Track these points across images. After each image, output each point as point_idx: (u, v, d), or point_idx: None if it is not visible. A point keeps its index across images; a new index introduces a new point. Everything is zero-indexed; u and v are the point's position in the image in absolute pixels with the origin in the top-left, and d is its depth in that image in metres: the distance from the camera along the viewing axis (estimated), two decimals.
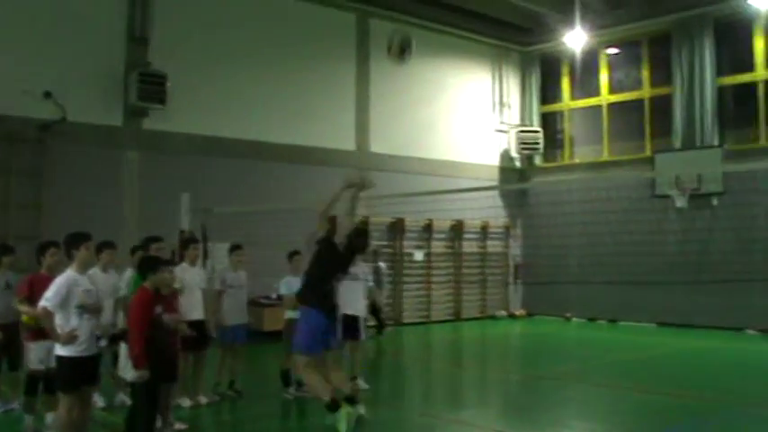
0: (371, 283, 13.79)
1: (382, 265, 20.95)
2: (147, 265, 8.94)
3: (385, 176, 22.32)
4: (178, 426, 9.86)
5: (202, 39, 19.74)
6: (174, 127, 19.17)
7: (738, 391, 13.48)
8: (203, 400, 11.66)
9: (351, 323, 12.51)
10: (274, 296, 16.82)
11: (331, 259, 10.24)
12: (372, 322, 18.71)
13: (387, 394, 13.55)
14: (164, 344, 8.70)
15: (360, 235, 11.21)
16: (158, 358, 8.51)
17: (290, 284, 11.97)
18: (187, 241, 12.51)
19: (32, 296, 8.93)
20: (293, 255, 12.64)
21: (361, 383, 12.79)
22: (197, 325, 10.98)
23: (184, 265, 11.62)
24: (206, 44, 19.80)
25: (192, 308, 11.16)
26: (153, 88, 18.45)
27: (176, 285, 9.59)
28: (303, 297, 10.22)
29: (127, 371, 8.88)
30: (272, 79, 21.11)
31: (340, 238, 10.46)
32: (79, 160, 17.61)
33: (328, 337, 10.07)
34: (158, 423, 9.09)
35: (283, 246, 13.21)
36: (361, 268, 13.17)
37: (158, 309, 8.64)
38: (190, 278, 11.34)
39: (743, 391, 13.44)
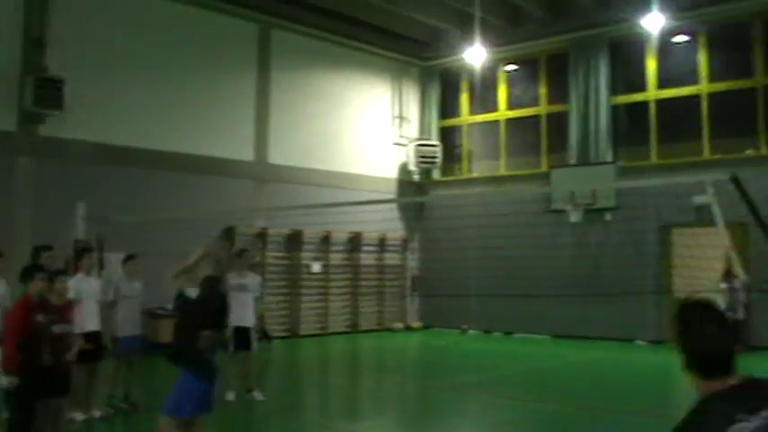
0: (258, 294, 13.67)
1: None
2: (24, 273, 8.78)
3: (284, 188, 22.41)
4: None
5: (102, 44, 19.39)
6: (71, 134, 18.73)
7: (628, 399, 13.82)
8: (97, 413, 11.42)
9: (242, 335, 12.59)
10: (170, 307, 16.55)
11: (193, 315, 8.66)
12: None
13: (283, 406, 13.48)
14: (50, 355, 8.48)
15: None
16: (41, 370, 8.28)
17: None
18: (82, 251, 12.26)
19: None
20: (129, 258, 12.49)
21: (257, 395, 12.73)
22: (92, 336, 10.78)
23: (80, 275, 11.41)
24: (106, 50, 19.46)
25: (88, 319, 10.95)
26: (50, 93, 17.99)
27: (70, 296, 9.37)
28: (176, 359, 8.57)
29: (1, 378, 8.56)
30: (173, 87, 20.86)
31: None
32: None
33: (205, 401, 8.44)
34: None
35: (181, 256, 13.04)
36: (250, 279, 13.24)
37: (40, 317, 8.40)
38: (85, 288, 11.14)
39: (632, 400, 13.77)
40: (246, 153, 22.81)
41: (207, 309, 8.65)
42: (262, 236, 22.48)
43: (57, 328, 8.59)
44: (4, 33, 18.04)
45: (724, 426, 3.18)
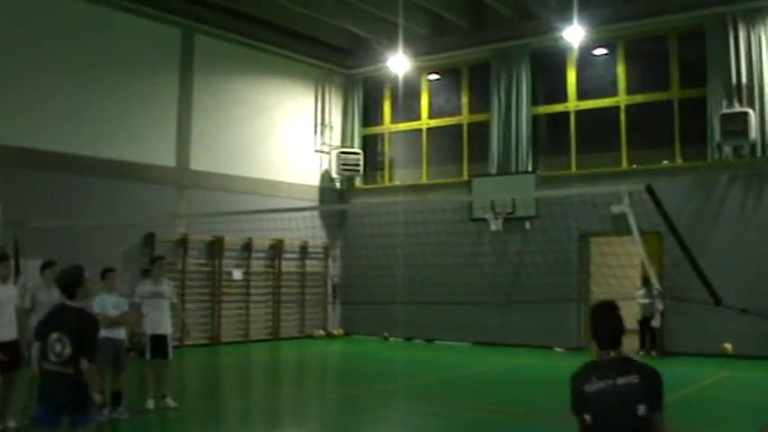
0: (174, 301, 13.53)
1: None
2: None
3: (205, 194, 22.27)
4: None
5: (18, 43, 19.05)
6: None
7: (546, 405, 13.97)
8: (12, 423, 11.17)
9: (159, 342, 12.51)
10: None
11: None
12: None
13: (199, 414, 13.36)
14: None
15: None
16: None
17: (103, 302, 11.67)
18: None
19: None
20: (107, 272, 12.20)
21: (170, 402, 12.62)
22: (10, 345, 10.57)
23: None
24: (22, 50, 19.12)
25: (5, 327, 10.71)
26: None
27: None
28: None
29: None
30: (93, 90, 20.56)
31: None
32: None
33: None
34: None
35: (99, 263, 12.85)
36: (166, 286, 13.12)
37: None
38: (2, 296, 10.90)
39: (550, 406, 13.93)
40: (168, 159, 22.60)
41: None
42: (183, 242, 22.29)
43: None
44: None
45: (584, 382, 5.25)
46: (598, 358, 5.31)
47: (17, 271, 13.89)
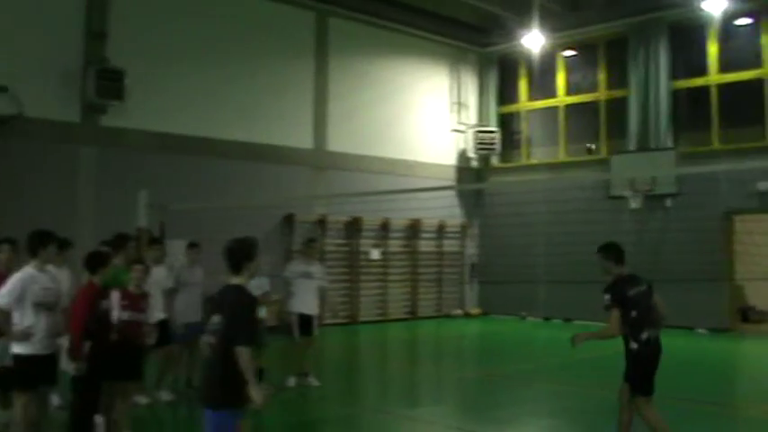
0: (325, 283, 13.78)
1: None
2: (96, 261, 8.87)
3: (342, 175, 22.51)
4: None
5: (161, 35, 19.67)
6: (132, 123, 19.08)
7: (689, 387, 13.70)
8: (165, 396, 11.63)
9: (306, 321, 12.77)
10: None
11: None
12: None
13: (340, 391, 13.59)
14: (118, 340, 8.69)
15: None
16: (107, 354, 8.46)
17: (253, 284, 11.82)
18: (152, 241, 12.47)
19: None
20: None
21: (312, 380, 12.87)
22: (160, 324, 10.94)
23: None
24: (165, 40, 19.73)
25: (156, 307, 11.09)
26: (111, 84, 18.35)
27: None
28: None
29: (68, 365, 8.61)
30: (231, 76, 21.07)
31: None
32: (35, 156, 17.46)
33: None
34: (99, 421, 8.82)
35: None
36: (316, 268, 13.34)
37: (104, 304, 8.59)
38: (156, 277, 11.26)
39: (691, 388, 13.67)
40: (305, 141, 22.96)
41: None
42: (321, 223, 22.63)
43: (126, 315, 8.79)
44: (66, 27, 18.38)
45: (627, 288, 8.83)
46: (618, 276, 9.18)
47: (163, 252, 14.38)
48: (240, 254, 6.65)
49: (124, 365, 8.86)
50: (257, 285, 11.86)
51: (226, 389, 6.25)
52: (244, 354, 6.18)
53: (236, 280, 6.58)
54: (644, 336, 8.92)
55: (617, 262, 9.22)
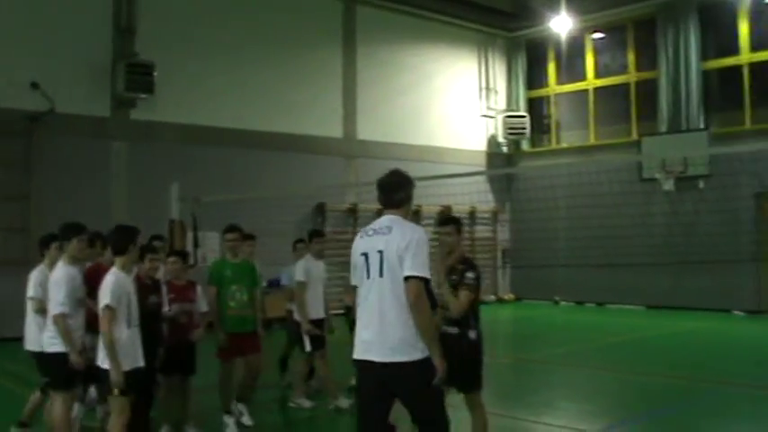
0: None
1: None
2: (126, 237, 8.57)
3: (372, 163, 22.49)
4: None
5: (189, 28, 19.79)
6: (161, 116, 19.22)
7: (725, 371, 13.64)
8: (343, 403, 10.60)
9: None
10: (264, 284, 15.62)
11: None
12: None
13: None
14: (169, 334, 8.72)
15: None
16: (159, 349, 8.46)
17: (291, 274, 11.27)
18: (312, 234, 11.22)
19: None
20: (298, 243, 11.78)
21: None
22: (318, 323, 10.66)
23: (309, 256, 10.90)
24: (193, 33, 19.84)
25: (316, 304, 10.72)
26: (140, 78, 18.49)
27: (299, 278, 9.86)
28: None
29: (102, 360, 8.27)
30: (259, 67, 21.16)
31: None
32: (67, 151, 17.66)
33: None
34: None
35: (275, 234, 13.12)
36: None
37: (153, 298, 8.58)
38: (314, 272, 10.78)
39: (729, 372, 13.59)
40: (335, 130, 23.02)
41: None
42: (352, 212, 22.66)
43: (175, 308, 8.82)
44: (95, 23, 18.57)
45: None
46: None
47: (196, 244, 14.42)
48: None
49: (177, 359, 8.84)
50: (289, 274, 11.48)
51: None
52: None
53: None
54: (478, 325, 7.67)
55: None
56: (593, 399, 11.74)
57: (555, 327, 21.37)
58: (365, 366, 5.83)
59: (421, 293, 5.65)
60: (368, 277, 5.86)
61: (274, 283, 14.68)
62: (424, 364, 5.69)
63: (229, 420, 9.34)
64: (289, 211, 19.27)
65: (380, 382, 5.77)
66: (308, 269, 10.63)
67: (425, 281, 5.74)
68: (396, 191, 6.12)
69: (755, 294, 21.62)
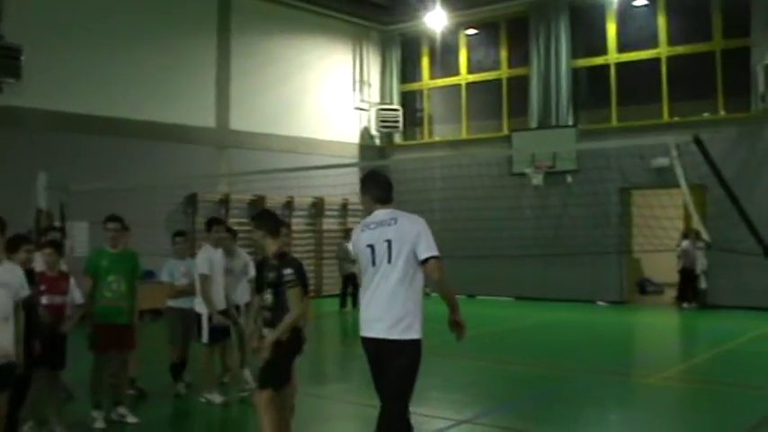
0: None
1: None
2: (12, 244, 8.40)
3: (246, 154, 22.39)
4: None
5: (60, 12, 19.21)
6: (29, 102, 18.54)
7: (590, 359, 14.04)
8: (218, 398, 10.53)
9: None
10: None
11: None
12: None
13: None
14: (44, 327, 8.42)
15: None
16: (33, 342, 8.14)
17: (173, 270, 10.89)
18: (210, 222, 10.91)
19: None
20: (176, 236, 11.25)
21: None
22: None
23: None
24: (64, 18, 19.28)
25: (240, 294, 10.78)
26: (6, 62, 17.83)
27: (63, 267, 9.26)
28: None
29: None
30: (132, 55, 20.68)
31: None
32: None
33: None
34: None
35: (146, 225, 12.83)
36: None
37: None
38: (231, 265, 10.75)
39: (595, 359, 14.00)
40: (208, 119, 22.74)
41: None
42: (224, 202, 22.45)
43: (46, 300, 8.55)
44: None
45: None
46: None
47: (63, 234, 14.04)
48: None
49: (49, 353, 8.47)
50: (170, 269, 10.99)
51: None
52: None
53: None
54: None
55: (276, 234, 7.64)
56: (462, 389, 11.90)
57: (427, 318, 21.53)
58: (371, 342, 6.61)
59: (442, 267, 6.58)
60: (373, 265, 6.49)
61: (147, 276, 14.33)
62: (416, 345, 6.70)
63: (98, 415, 9.09)
64: (160, 201, 18.98)
65: (381, 355, 6.62)
66: (210, 260, 10.37)
67: (439, 257, 6.55)
68: (391, 189, 6.91)
69: (618, 286, 22.36)
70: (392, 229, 6.52)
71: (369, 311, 6.58)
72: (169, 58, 21.56)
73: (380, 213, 6.68)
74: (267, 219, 7.82)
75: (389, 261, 6.47)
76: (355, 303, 20.84)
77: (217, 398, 10.34)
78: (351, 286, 21.55)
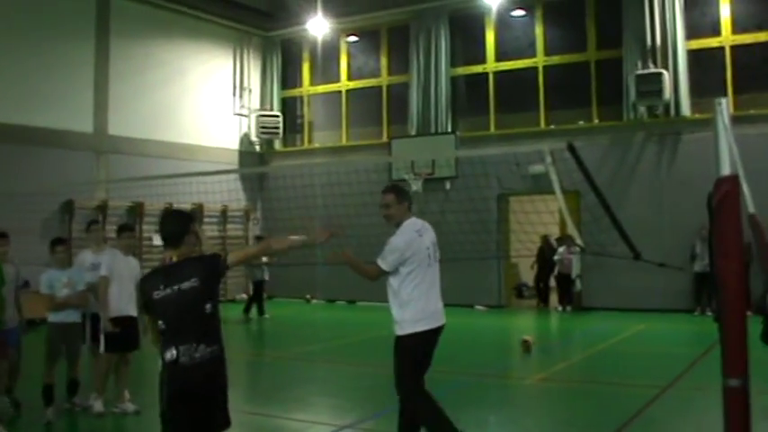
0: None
1: None
2: None
3: (124, 159, 22.04)
4: None
5: None
6: None
7: (469, 362, 14.25)
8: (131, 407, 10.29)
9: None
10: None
11: None
12: None
13: None
14: None
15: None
16: None
17: (53, 281, 9.98)
18: (121, 229, 11.31)
19: None
20: (57, 245, 10.34)
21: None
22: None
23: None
24: None
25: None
26: None
27: None
28: None
29: None
30: (5, 57, 20.19)
31: None
32: None
33: None
34: None
35: (20, 232, 12.45)
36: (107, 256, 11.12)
37: None
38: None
39: (471, 363, 14.22)
40: (85, 124, 22.35)
41: None
42: (102, 209, 22.06)
43: None
44: None
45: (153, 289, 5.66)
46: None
47: None
48: None
49: None
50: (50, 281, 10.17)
51: None
52: None
53: None
54: None
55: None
56: (345, 394, 11.97)
57: (306, 324, 21.62)
58: (440, 331, 8.24)
59: None
60: (428, 264, 8.02)
61: (24, 285, 13.78)
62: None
63: None
64: (34, 208, 18.52)
65: (437, 340, 8.20)
66: (111, 265, 10.20)
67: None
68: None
69: (496, 290, 22.76)
70: (430, 235, 8.11)
71: (431, 303, 8.10)
72: (46, 61, 21.12)
73: (416, 221, 8.05)
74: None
75: (436, 260, 8.20)
76: (261, 311, 20.87)
77: (98, 406, 10.02)
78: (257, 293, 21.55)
